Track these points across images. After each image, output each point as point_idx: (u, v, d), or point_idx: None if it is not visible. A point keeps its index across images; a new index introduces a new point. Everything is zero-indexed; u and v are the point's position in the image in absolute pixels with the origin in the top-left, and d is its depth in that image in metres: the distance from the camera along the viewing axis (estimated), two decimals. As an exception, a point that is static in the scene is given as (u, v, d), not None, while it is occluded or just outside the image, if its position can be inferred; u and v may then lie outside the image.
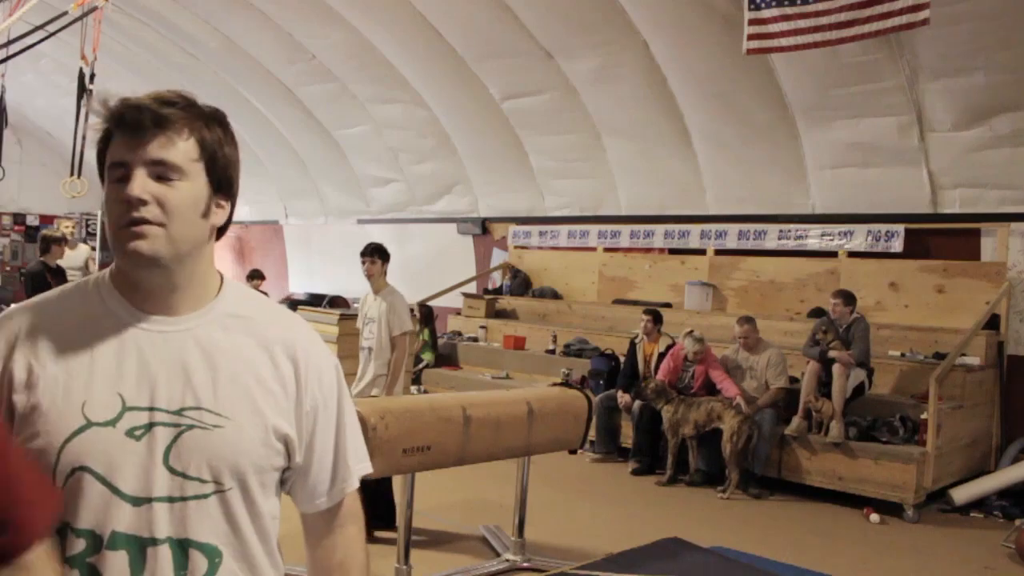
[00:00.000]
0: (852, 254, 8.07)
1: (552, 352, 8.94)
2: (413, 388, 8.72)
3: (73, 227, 9.49)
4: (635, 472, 7.01)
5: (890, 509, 6.05)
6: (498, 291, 10.83)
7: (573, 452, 5.14)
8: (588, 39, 8.47)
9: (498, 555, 4.73)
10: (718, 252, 9.04)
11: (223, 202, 1.26)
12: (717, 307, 8.87)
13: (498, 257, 11.23)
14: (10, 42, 8.30)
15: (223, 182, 1.25)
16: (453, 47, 9.43)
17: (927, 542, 5.60)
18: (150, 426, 1.16)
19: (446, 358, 9.79)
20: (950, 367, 6.50)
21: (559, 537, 5.14)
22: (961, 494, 6.29)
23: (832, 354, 6.48)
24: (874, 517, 5.94)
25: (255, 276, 11.47)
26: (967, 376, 6.78)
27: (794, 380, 6.93)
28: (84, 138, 8.01)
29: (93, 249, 10.76)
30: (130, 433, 1.16)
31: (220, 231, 1.29)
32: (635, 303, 9.06)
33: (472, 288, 11.06)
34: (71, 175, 8.25)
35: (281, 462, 1.26)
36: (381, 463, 3.78)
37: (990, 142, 7.02)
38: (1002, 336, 7.16)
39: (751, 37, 6.43)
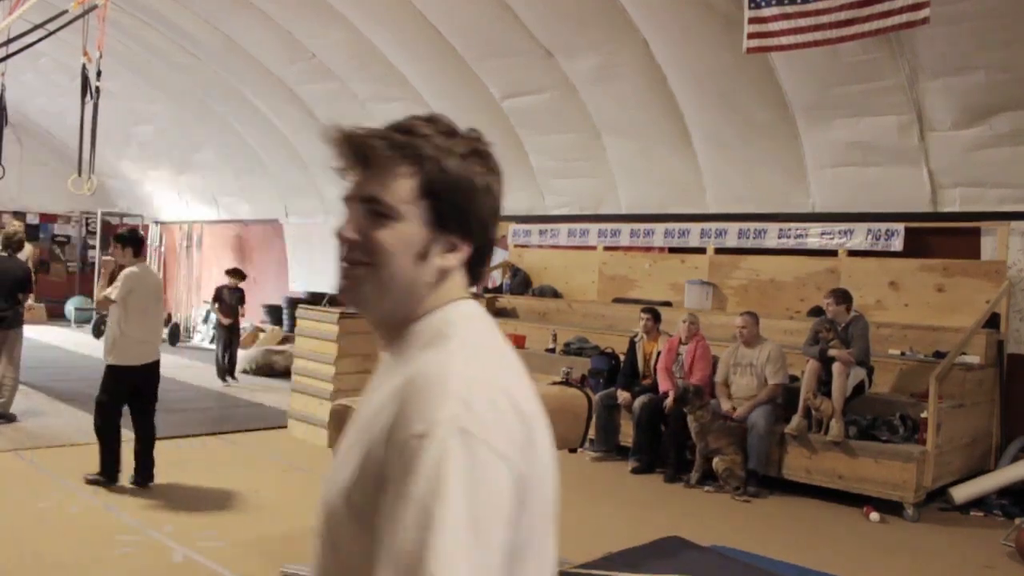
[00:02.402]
0: (852, 253, 8.07)
1: (552, 351, 8.94)
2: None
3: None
4: (635, 471, 7.02)
5: (890, 508, 6.06)
6: (498, 290, 10.82)
7: (573, 451, 5.13)
8: (588, 38, 8.46)
9: (498, 554, 4.72)
10: (718, 251, 9.04)
11: (456, 241, 1.12)
12: (717, 306, 8.87)
13: (498, 256, 11.23)
14: (9, 41, 8.30)
15: (443, 217, 1.10)
16: (453, 46, 9.42)
17: (927, 541, 5.60)
18: None
19: (446, 357, 9.77)
20: (950, 366, 6.51)
21: (559, 536, 5.13)
22: (961, 493, 6.29)
23: (832, 353, 6.48)
24: (874, 516, 5.95)
25: (233, 274, 11.33)
26: (967, 375, 6.78)
27: (794, 379, 6.94)
28: (93, 135, 7.98)
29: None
30: None
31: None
32: (635, 302, 9.05)
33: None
34: (78, 173, 8.22)
35: None
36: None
37: (990, 141, 7.01)
38: (1002, 335, 7.16)
39: (751, 36, 6.43)
